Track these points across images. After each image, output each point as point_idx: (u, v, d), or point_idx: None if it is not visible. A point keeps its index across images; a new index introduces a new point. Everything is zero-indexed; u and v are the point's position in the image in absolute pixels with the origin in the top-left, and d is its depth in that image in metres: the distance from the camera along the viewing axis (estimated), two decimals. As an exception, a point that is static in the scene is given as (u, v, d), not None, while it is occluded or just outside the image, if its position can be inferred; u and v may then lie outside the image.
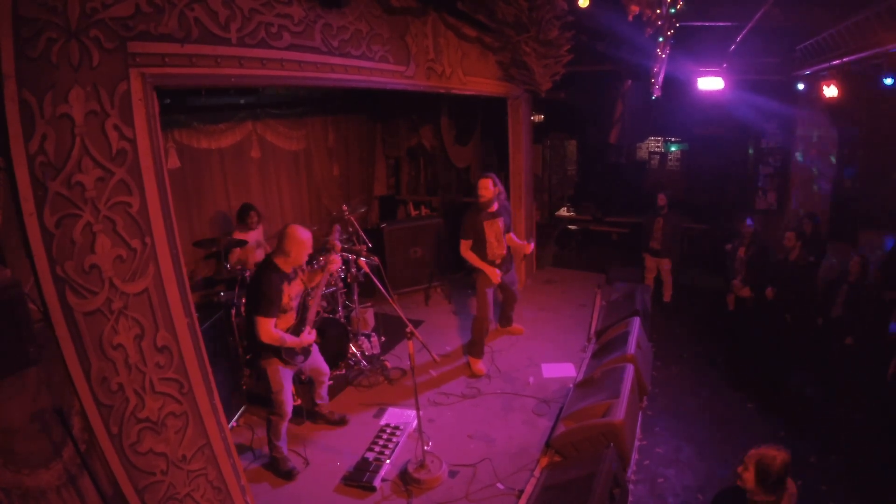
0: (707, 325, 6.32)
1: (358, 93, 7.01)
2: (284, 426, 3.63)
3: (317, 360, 3.88)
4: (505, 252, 5.00)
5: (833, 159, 6.88)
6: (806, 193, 7.08)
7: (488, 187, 4.81)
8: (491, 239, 4.86)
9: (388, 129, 8.16)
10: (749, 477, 2.31)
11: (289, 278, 3.39)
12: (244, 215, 5.15)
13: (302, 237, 3.35)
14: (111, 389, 2.28)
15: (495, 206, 4.87)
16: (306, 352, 3.64)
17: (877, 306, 4.69)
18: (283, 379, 3.48)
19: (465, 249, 4.88)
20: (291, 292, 3.41)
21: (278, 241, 3.38)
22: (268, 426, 3.64)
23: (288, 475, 3.63)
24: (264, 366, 3.41)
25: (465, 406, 4.54)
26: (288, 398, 3.54)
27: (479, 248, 4.87)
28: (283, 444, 3.67)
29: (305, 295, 3.55)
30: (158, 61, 2.35)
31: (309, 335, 3.54)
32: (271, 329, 3.24)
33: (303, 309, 3.54)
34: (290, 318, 3.44)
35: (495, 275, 4.87)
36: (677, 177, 9.02)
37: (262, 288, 3.25)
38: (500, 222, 4.91)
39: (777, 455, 2.27)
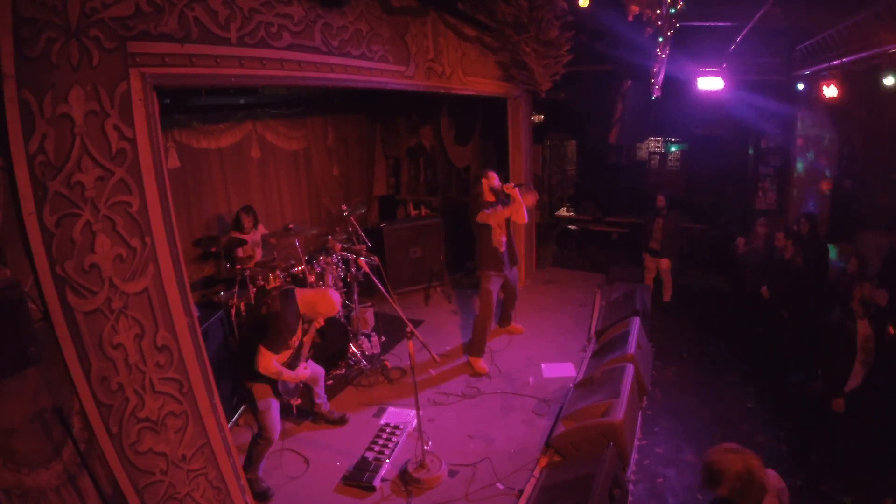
0: (707, 324, 6.32)
1: (358, 93, 7.01)
2: (268, 452, 3.52)
3: (310, 365, 3.88)
4: (505, 238, 5.02)
5: (833, 160, 6.88)
6: (806, 193, 7.08)
7: (494, 183, 4.89)
8: (495, 226, 4.92)
9: (387, 129, 8.16)
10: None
11: (302, 319, 3.42)
12: (239, 217, 5.22)
13: (336, 304, 3.49)
14: (111, 389, 2.28)
15: (493, 198, 4.93)
16: (297, 389, 3.62)
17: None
18: (270, 398, 3.40)
19: (485, 216, 4.82)
20: (298, 333, 3.44)
21: (314, 291, 3.53)
22: (251, 446, 3.50)
23: (263, 497, 3.46)
24: (250, 385, 3.33)
25: (464, 406, 4.54)
26: (275, 422, 3.43)
27: (486, 235, 4.90)
28: (260, 466, 3.53)
29: (303, 334, 3.55)
30: (158, 61, 2.36)
31: (304, 370, 3.52)
32: (272, 363, 3.21)
33: (299, 345, 3.53)
34: (286, 355, 3.41)
35: (531, 200, 4.89)
36: (677, 177, 9.01)
37: (278, 325, 3.23)
38: (500, 208, 4.94)
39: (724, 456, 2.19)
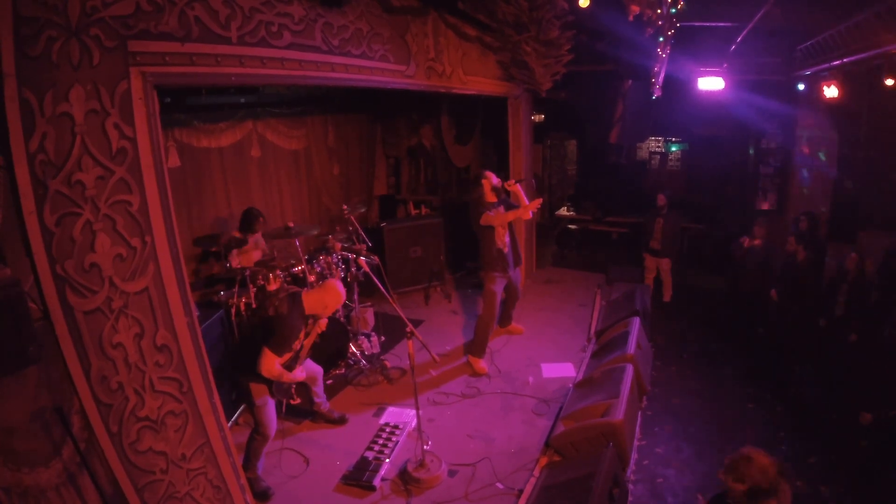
0: (707, 324, 6.32)
1: (358, 92, 7.00)
2: (265, 448, 3.54)
3: (308, 365, 3.88)
4: (509, 238, 5.02)
5: (833, 160, 6.87)
6: (806, 194, 7.08)
7: (494, 181, 4.89)
8: (498, 227, 4.92)
9: (388, 128, 8.16)
10: (738, 486, 2.26)
11: (306, 321, 3.42)
12: (252, 221, 5.05)
13: (342, 293, 3.46)
14: (111, 388, 2.28)
15: (495, 198, 4.94)
16: (290, 388, 3.62)
17: (877, 304, 4.69)
18: (267, 396, 3.41)
19: (490, 219, 4.79)
20: (301, 336, 3.44)
21: (318, 288, 3.47)
22: (249, 442, 3.53)
23: (262, 496, 3.47)
24: (248, 383, 3.36)
25: (464, 405, 4.54)
26: (271, 417, 3.45)
27: (489, 236, 4.89)
28: (259, 464, 3.55)
29: (304, 337, 3.56)
30: (159, 60, 2.36)
31: (300, 373, 3.53)
32: (275, 365, 3.23)
33: (300, 349, 3.54)
34: (286, 357, 3.41)
35: (537, 203, 4.83)
36: (677, 177, 9.02)
37: (284, 329, 3.24)
38: (502, 209, 4.96)
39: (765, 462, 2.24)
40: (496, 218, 4.81)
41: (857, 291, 4.87)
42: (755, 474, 2.24)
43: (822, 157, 6.93)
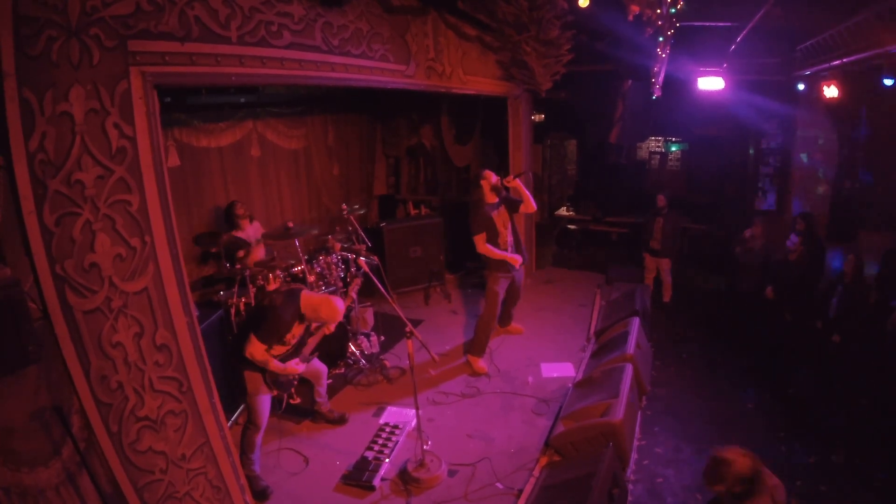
0: (707, 324, 6.32)
1: (358, 92, 7.00)
2: (259, 438, 3.52)
3: (313, 362, 3.88)
4: (511, 238, 5.01)
5: (833, 160, 6.87)
6: (806, 194, 7.08)
7: (493, 181, 4.88)
8: (500, 228, 4.90)
9: (388, 128, 8.16)
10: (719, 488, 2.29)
11: (301, 318, 3.43)
12: (231, 216, 5.14)
13: (339, 311, 3.46)
14: (110, 388, 2.29)
15: (495, 198, 4.92)
16: (289, 384, 3.62)
17: (872, 306, 4.69)
18: (261, 387, 3.43)
19: (482, 244, 4.82)
20: (296, 332, 3.44)
21: (321, 295, 3.48)
22: (242, 433, 3.53)
23: (261, 495, 3.44)
24: (243, 372, 3.39)
25: (464, 405, 4.54)
26: (263, 407, 3.46)
27: (492, 239, 4.88)
28: (256, 459, 3.53)
29: (307, 335, 3.57)
30: (159, 60, 2.36)
31: (295, 366, 3.51)
32: (258, 351, 3.26)
33: (299, 344, 3.54)
34: (281, 350, 3.42)
35: (517, 260, 4.91)
36: (677, 177, 9.01)
37: (273, 319, 3.27)
38: (504, 209, 4.95)
39: (737, 459, 2.27)
40: (490, 251, 4.82)
41: (852, 292, 4.87)
42: (733, 474, 2.25)
43: (821, 157, 6.94)
